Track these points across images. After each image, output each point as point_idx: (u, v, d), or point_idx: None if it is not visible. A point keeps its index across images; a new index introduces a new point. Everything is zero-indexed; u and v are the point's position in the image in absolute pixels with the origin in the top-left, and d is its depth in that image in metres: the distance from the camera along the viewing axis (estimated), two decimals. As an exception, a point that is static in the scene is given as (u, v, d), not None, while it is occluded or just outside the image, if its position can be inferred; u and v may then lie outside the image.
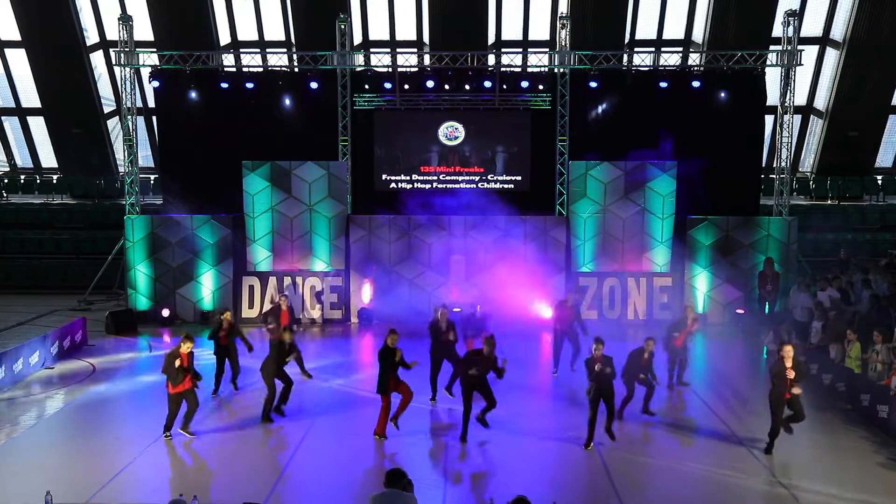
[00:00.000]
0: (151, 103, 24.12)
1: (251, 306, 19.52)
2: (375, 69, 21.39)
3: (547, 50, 23.53)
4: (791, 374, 10.78)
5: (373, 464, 10.69)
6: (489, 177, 21.48)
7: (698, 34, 23.89)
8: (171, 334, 18.45)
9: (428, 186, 21.42)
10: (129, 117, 20.31)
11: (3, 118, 26.78)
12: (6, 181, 27.09)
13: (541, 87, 20.98)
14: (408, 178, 21.53)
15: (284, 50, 24.36)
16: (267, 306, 19.36)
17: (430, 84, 20.85)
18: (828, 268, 19.35)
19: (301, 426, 12.08)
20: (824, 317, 15.27)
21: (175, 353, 11.37)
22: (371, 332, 18.75)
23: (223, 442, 11.49)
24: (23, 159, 27.61)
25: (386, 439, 11.46)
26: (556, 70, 20.77)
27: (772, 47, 21.66)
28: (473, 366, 11.33)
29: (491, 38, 24.14)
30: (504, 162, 21.50)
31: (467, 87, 20.91)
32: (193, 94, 21.11)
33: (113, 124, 25.97)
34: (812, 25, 23.55)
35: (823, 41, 24.06)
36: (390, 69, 21.20)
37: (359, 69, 21.40)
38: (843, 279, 17.33)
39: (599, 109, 21.07)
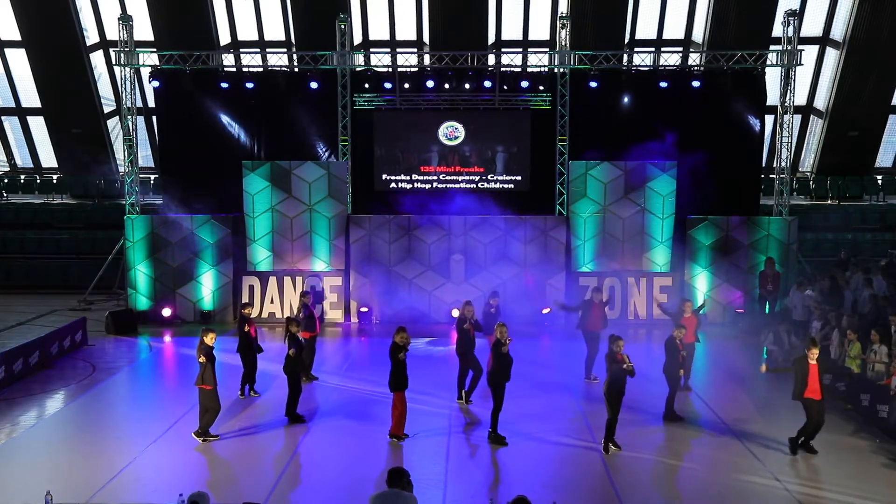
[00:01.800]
0: (151, 103, 24.12)
1: (251, 306, 19.47)
2: (375, 69, 21.39)
3: (547, 50, 23.54)
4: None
5: (373, 464, 10.68)
6: (489, 177, 21.48)
7: (698, 34, 23.88)
8: (172, 334, 18.47)
9: (428, 186, 21.42)
10: (129, 117, 20.32)
11: (3, 118, 26.78)
12: (6, 181, 27.08)
13: (541, 87, 20.98)
14: (408, 178, 21.52)
15: (284, 50, 24.36)
16: (267, 306, 19.50)
17: (430, 84, 20.85)
18: (828, 268, 19.36)
19: (301, 426, 12.09)
20: (824, 317, 15.27)
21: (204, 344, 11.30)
22: (371, 332, 18.75)
23: (223, 442, 11.48)
24: (23, 159, 27.62)
25: (406, 437, 11.43)
26: (556, 70, 20.77)
27: (772, 47, 21.66)
28: (503, 354, 11.28)
29: (491, 38, 24.14)
30: (504, 162, 21.50)
31: (467, 86, 20.91)
32: (193, 94, 21.09)
33: (113, 124, 25.96)
34: (812, 25, 23.55)
35: (823, 41, 24.06)
36: (390, 69, 21.20)
37: (359, 69, 21.40)
38: (835, 280, 17.24)
39: (599, 109, 21.03)
